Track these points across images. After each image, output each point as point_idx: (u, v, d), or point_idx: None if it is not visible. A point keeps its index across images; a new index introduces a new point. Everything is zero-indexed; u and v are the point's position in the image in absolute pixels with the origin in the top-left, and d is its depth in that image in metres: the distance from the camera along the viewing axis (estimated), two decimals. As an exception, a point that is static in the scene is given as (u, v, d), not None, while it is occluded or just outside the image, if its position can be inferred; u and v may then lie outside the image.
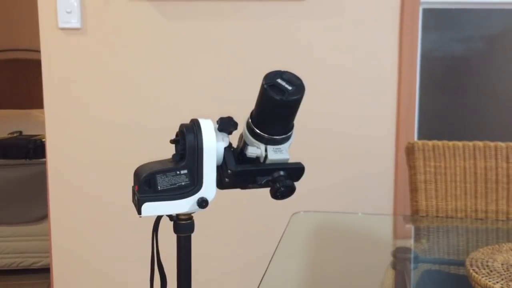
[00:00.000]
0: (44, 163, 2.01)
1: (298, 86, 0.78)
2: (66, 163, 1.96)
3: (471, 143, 1.50)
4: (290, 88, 0.77)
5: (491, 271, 0.86)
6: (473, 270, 0.87)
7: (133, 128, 1.94)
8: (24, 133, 3.14)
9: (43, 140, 2.73)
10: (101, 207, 1.98)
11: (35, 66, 2.52)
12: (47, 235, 2.08)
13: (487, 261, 0.90)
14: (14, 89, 3.91)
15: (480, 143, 1.50)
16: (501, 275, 0.85)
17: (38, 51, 1.93)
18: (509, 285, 0.80)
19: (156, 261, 0.88)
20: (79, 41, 1.90)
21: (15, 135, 3.12)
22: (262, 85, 0.78)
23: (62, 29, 1.89)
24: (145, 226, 2.04)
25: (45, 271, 2.59)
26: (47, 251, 2.18)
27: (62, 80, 1.93)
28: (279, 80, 0.78)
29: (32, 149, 2.85)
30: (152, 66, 1.91)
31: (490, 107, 1.97)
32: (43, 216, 2.67)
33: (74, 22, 1.87)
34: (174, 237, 0.86)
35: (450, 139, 1.53)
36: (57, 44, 1.91)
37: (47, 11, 1.89)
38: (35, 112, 3.49)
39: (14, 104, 3.78)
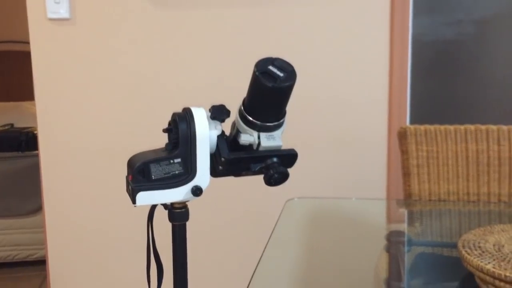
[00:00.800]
0: (37, 155, 2.01)
1: (290, 73, 0.78)
2: (59, 155, 1.96)
3: (462, 127, 1.51)
4: (281, 74, 0.77)
5: (483, 252, 0.87)
6: (465, 251, 0.88)
7: (125, 118, 1.93)
8: (16, 125, 3.12)
9: (35, 132, 2.73)
10: (95, 198, 1.98)
11: (25, 58, 2.50)
12: (41, 227, 2.08)
13: (479, 242, 0.91)
14: (5, 81, 3.88)
15: (471, 127, 1.51)
16: (492, 255, 0.86)
17: (28, 43, 1.92)
18: (501, 265, 0.81)
19: (152, 250, 0.88)
20: (68, 31, 1.89)
21: (6, 127, 3.10)
22: (254, 72, 0.78)
23: (51, 19, 1.88)
24: (140, 216, 2.04)
25: (41, 263, 2.59)
26: (42, 243, 2.18)
27: (52, 71, 1.92)
28: (270, 67, 0.78)
29: (24, 141, 2.84)
30: (142, 56, 1.90)
31: (481, 90, 1.98)
32: (37, 208, 2.67)
33: (62, 12, 1.85)
34: (169, 226, 0.86)
35: (441, 123, 1.54)
36: (46, 35, 1.89)
37: (36, 2, 1.87)
38: (26, 104, 3.47)
39: (5, 97, 3.75)
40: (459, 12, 1.93)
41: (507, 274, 0.79)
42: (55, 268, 2.02)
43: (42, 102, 1.94)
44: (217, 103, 0.84)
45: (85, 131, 1.94)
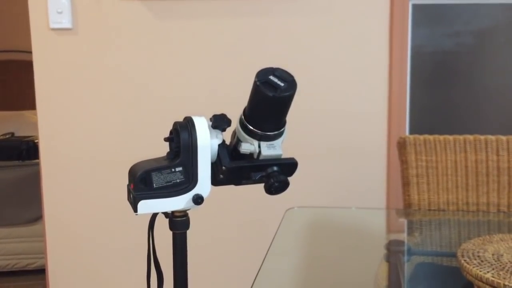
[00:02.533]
0: (37, 164, 2.01)
1: (290, 83, 0.79)
2: (60, 164, 1.96)
3: (461, 137, 1.52)
4: (282, 84, 0.78)
5: (482, 261, 0.88)
6: (464, 260, 0.88)
7: (126, 127, 1.94)
8: (17, 134, 3.14)
9: (36, 141, 2.73)
10: (95, 206, 1.98)
11: (26, 67, 2.52)
12: (41, 236, 2.08)
13: (478, 252, 0.92)
14: (6, 90, 3.90)
15: (470, 137, 1.52)
16: (491, 264, 0.86)
17: (29, 52, 1.93)
18: (500, 274, 0.82)
19: (152, 258, 0.88)
20: (71, 41, 1.90)
21: (7, 136, 3.11)
22: (255, 82, 0.79)
23: (53, 29, 1.89)
24: (140, 225, 2.04)
25: (40, 272, 2.59)
26: (42, 252, 2.18)
27: (54, 80, 1.93)
28: (271, 77, 0.79)
29: (25, 150, 2.85)
30: (144, 66, 1.91)
31: (480, 101, 1.99)
32: (37, 217, 2.67)
33: (65, 22, 1.87)
34: (170, 234, 0.86)
35: (441, 133, 1.55)
36: (48, 44, 1.91)
37: (38, 12, 1.89)
38: (27, 113, 3.49)
39: (6, 106, 3.77)
40: (458, 24, 1.95)
41: (506, 283, 0.79)
42: (55, 277, 2.02)
43: (44, 111, 1.95)
44: (218, 112, 0.84)
45: (86, 140, 1.95)
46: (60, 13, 1.86)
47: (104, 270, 2.01)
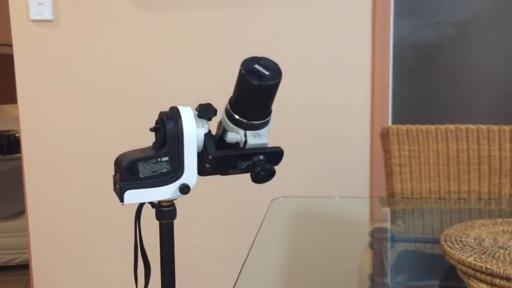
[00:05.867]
0: (19, 159, 1.99)
1: (275, 71, 0.80)
2: (42, 157, 1.94)
3: (443, 127, 1.54)
4: (267, 73, 0.79)
5: (464, 245, 0.90)
6: (447, 245, 0.90)
7: (110, 119, 1.93)
8: (-3, 128, 3.09)
9: (17, 135, 2.70)
10: (79, 200, 1.97)
11: (6, 60, 2.48)
12: (24, 231, 2.06)
13: (460, 237, 0.94)
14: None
15: (451, 126, 1.54)
16: (473, 249, 0.88)
17: (10, 46, 1.90)
18: (482, 258, 0.84)
19: (139, 248, 0.88)
20: (52, 33, 1.88)
21: (-13, 131, 3.06)
22: (240, 71, 0.79)
23: (34, 21, 1.87)
24: (125, 219, 2.05)
25: (23, 267, 2.57)
26: (25, 247, 2.16)
27: (35, 73, 1.91)
28: (256, 66, 0.79)
29: (5, 144, 2.81)
30: (127, 57, 1.90)
31: (461, 91, 2.02)
32: (19, 212, 2.64)
33: (46, 13, 1.85)
34: (156, 225, 0.86)
35: (423, 123, 1.57)
36: (29, 36, 1.88)
37: (18, 3, 1.86)
38: (7, 107, 3.44)
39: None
40: (439, 15, 1.97)
41: (488, 266, 0.81)
42: (38, 272, 2.00)
43: (25, 104, 1.92)
44: (203, 102, 0.85)
45: (69, 133, 1.93)
46: (41, 4, 1.84)
47: (89, 265, 2.00)
